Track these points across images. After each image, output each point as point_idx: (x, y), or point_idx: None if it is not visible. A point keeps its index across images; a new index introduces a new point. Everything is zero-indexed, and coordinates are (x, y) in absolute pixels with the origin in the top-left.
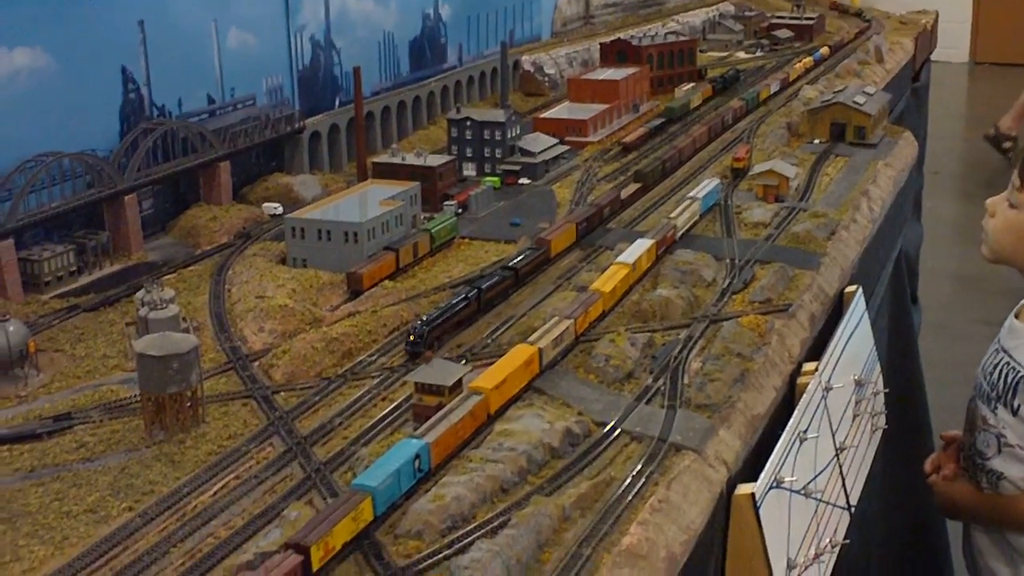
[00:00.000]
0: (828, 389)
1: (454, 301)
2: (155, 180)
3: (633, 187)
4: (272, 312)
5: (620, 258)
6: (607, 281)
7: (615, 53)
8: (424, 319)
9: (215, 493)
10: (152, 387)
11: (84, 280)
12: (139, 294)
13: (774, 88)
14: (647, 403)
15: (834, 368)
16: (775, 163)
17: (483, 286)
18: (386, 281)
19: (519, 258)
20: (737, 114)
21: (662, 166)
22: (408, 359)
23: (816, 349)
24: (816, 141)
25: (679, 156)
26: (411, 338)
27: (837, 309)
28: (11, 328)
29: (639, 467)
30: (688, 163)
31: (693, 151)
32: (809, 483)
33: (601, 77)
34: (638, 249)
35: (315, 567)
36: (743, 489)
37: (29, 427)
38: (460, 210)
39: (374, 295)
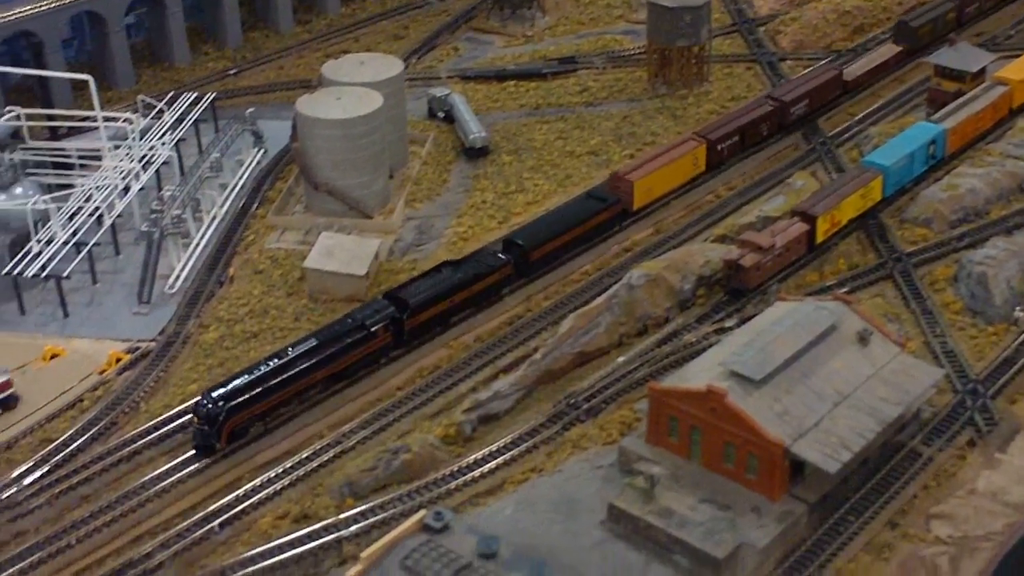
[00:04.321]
0: None
1: (284, 353)
2: None
3: None
4: None
5: None
6: None
7: None
8: (222, 388)
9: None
10: (661, 39)
11: None
12: None
13: None
14: None
15: None
16: None
17: (370, 324)
18: None
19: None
20: None
21: None
22: (199, 453)
23: None
24: None
25: None
26: (195, 421)
27: None
28: None
29: None
30: None
31: None
32: None
33: None
34: None
35: (819, 239)
36: None
37: (535, 66)
38: None
39: None
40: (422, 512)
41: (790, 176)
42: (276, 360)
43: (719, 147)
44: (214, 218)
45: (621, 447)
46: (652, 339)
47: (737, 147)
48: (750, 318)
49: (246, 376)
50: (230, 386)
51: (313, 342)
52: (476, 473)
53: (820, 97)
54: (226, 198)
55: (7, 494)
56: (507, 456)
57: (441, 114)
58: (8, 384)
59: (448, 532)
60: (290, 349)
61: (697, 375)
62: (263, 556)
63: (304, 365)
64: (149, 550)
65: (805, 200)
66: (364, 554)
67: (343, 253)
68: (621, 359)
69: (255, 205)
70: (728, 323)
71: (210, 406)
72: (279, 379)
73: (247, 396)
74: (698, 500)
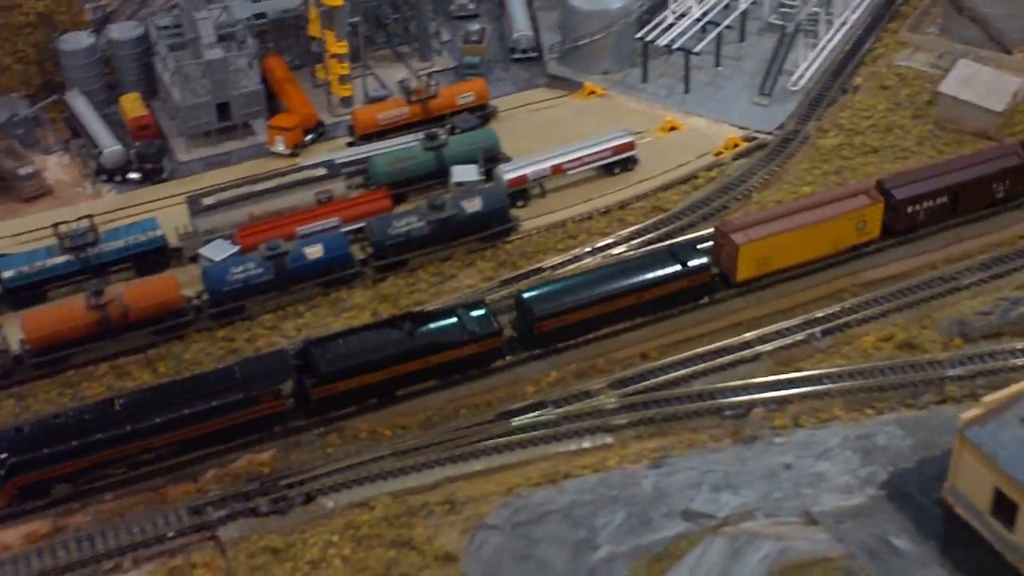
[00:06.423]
0: None
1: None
2: None
3: None
4: None
5: None
6: None
7: None
8: (15, 435)
9: None
10: None
11: None
12: None
13: None
14: None
15: None
16: None
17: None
18: None
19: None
20: None
21: None
22: None
23: None
24: None
25: None
26: None
27: None
28: None
29: None
30: None
31: None
32: None
33: None
34: None
35: None
36: None
37: None
38: None
39: None
40: None
41: None
42: (101, 412)
43: (909, 208)
44: (844, 23)
45: None
46: None
47: (944, 211)
48: None
49: (56, 425)
50: (24, 437)
51: (161, 400)
52: None
53: None
54: (859, 4)
55: None
56: None
57: None
58: (631, 145)
59: None
60: (117, 401)
61: None
62: (861, 374)
63: (137, 426)
64: (749, 339)
65: None
66: (987, 399)
67: (981, 85)
68: None
69: (887, 18)
70: None
71: None
72: (97, 438)
73: (45, 453)
74: None
